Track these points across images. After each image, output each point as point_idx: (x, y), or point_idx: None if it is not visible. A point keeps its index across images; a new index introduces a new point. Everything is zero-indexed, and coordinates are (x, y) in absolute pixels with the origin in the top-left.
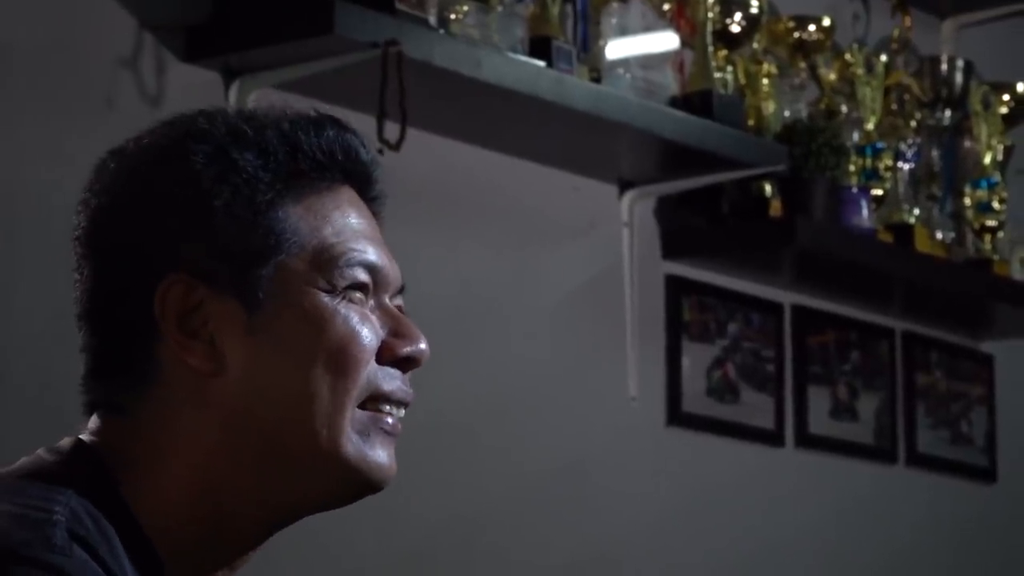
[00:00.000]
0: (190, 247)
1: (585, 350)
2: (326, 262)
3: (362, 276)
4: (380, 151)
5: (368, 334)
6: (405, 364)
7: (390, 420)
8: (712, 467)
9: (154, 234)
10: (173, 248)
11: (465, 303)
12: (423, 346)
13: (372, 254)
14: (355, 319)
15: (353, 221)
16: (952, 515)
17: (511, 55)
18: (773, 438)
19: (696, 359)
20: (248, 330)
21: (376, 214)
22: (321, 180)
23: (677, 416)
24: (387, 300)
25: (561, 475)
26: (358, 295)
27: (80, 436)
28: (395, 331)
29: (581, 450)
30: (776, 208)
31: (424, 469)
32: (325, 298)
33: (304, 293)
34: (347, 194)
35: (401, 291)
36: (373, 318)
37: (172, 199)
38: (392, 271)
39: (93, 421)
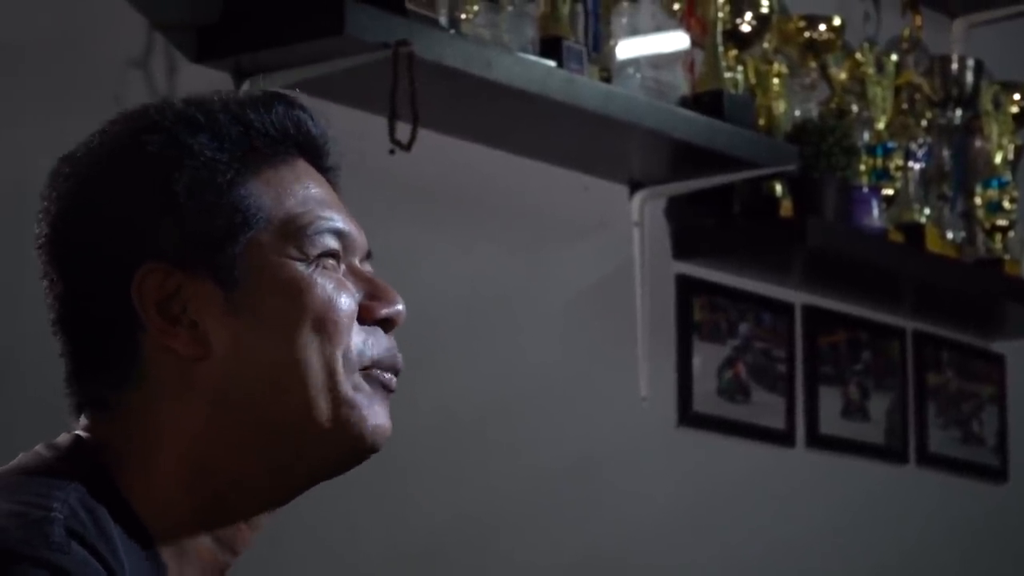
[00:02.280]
0: (159, 236)
1: (596, 350)
2: (295, 232)
3: (332, 242)
4: (391, 151)
5: (346, 298)
6: (385, 325)
7: (387, 375)
8: (723, 467)
9: (121, 229)
10: (142, 239)
11: (475, 303)
12: (400, 306)
13: (338, 220)
14: (331, 285)
15: (314, 191)
16: (963, 515)
17: (521, 55)
18: (784, 438)
19: (707, 359)
20: (228, 310)
21: (333, 184)
22: (276, 155)
23: (688, 416)
24: (357, 264)
25: (571, 475)
26: (330, 261)
27: (77, 432)
28: (371, 294)
29: (591, 450)
30: (787, 208)
31: (434, 468)
32: (300, 267)
33: (278, 265)
34: (303, 166)
35: (368, 256)
36: (348, 283)
37: (134, 192)
38: (359, 236)
39: (83, 419)
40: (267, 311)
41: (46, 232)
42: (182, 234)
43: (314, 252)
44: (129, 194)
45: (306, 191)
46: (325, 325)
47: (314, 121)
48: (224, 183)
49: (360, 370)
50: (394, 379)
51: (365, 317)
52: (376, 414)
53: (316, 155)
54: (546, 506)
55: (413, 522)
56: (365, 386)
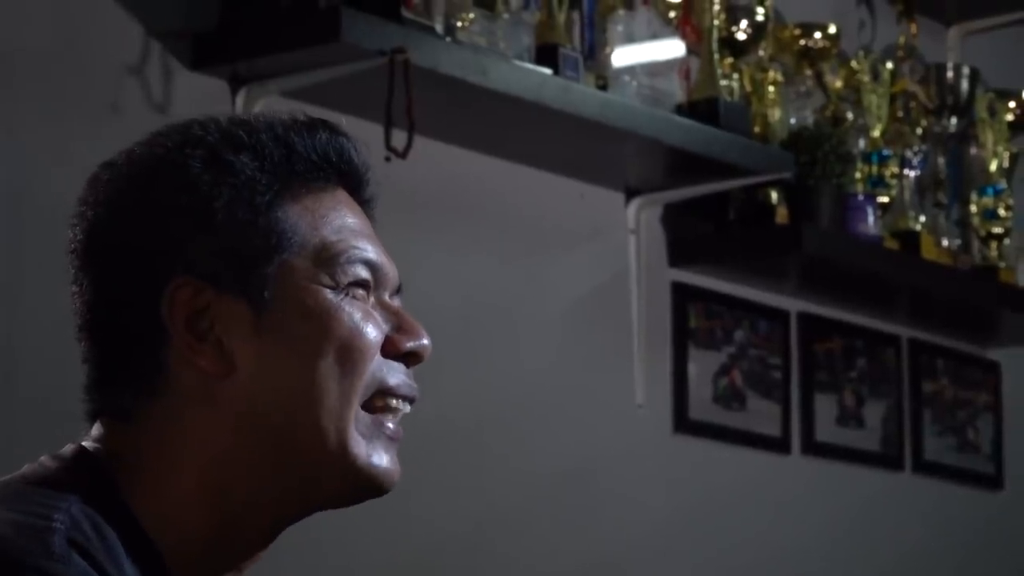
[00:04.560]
0: (193, 250)
1: (592, 357)
2: (328, 259)
3: (363, 273)
4: (387, 159)
5: (372, 329)
6: (409, 359)
7: (391, 426)
8: (719, 474)
9: (156, 240)
10: (176, 252)
11: (472, 310)
12: (426, 341)
13: (372, 252)
14: (359, 315)
15: (350, 220)
16: (958, 522)
17: (517, 63)
18: (779, 445)
19: (703, 366)
20: (255, 330)
21: (369, 216)
22: (316, 181)
23: (684, 423)
24: (387, 297)
25: (568, 482)
26: (360, 292)
27: (83, 443)
28: (398, 327)
29: (588, 457)
30: (782, 215)
31: (431, 476)
32: (329, 294)
33: (308, 290)
34: (342, 195)
35: (399, 291)
36: (376, 314)
37: (172, 204)
38: (391, 270)
39: (96, 428)
40: (293, 335)
41: (80, 238)
42: (216, 250)
43: (345, 280)
44: (167, 206)
45: (342, 220)
46: (349, 353)
47: (357, 151)
48: (262, 203)
49: (376, 395)
50: (400, 430)
51: (390, 350)
52: (381, 458)
53: (355, 185)
54: (543, 513)
55: (410, 530)
56: (372, 429)
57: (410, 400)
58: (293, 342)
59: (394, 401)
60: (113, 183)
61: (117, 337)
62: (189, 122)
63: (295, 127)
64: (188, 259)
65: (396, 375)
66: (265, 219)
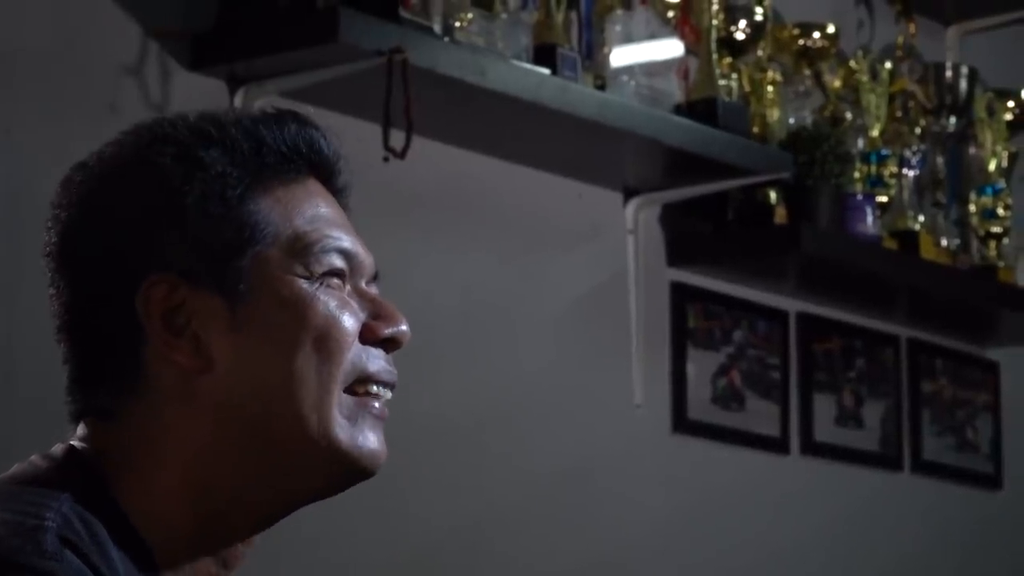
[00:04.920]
0: (167, 247)
1: (590, 357)
2: (302, 249)
3: (338, 262)
4: (385, 159)
5: (349, 317)
6: (388, 345)
7: (377, 404)
8: (717, 474)
9: (130, 239)
10: (150, 250)
11: (470, 310)
12: (404, 327)
13: (346, 241)
14: (334, 303)
15: (323, 210)
16: (958, 522)
17: (515, 63)
18: (778, 445)
19: (701, 366)
20: (231, 323)
21: (343, 205)
22: (287, 173)
23: (682, 423)
24: (363, 285)
25: (566, 482)
26: (335, 280)
27: (72, 442)
28: (375, 313)
29: (586, 457)
30: (781, 215)
31: (429, 475)
32: (304, 284)
33: (283, 281)
34: (314, 185)
35: (376, 278)
36: (352, 302)
37: (144, 202)
38: (366, 257)
39: (82, 428)
40: (269, 326)
41: (55, 240)
42: (190, 246)
43: (319, 270)
44: (139, 205)
45: (315, 210)
46: (326, 343)
47: (327, 141)
48: (234, 197)
49: (356, 382)
50: (386, 410)
51: (368, 337)
52: (367, 439)
53: (327, 175)
54: (541, 513)
55: (408, 529)
56: (356, 411)
57: (390, 386)
58: (270, 333)
59: (375, 387)
60: (85, 184)
61: (95, 337)
62: (158, 120)
63: (264, 120)
64: (162, 256)
65: (376, 361)
66: (237, 212)
